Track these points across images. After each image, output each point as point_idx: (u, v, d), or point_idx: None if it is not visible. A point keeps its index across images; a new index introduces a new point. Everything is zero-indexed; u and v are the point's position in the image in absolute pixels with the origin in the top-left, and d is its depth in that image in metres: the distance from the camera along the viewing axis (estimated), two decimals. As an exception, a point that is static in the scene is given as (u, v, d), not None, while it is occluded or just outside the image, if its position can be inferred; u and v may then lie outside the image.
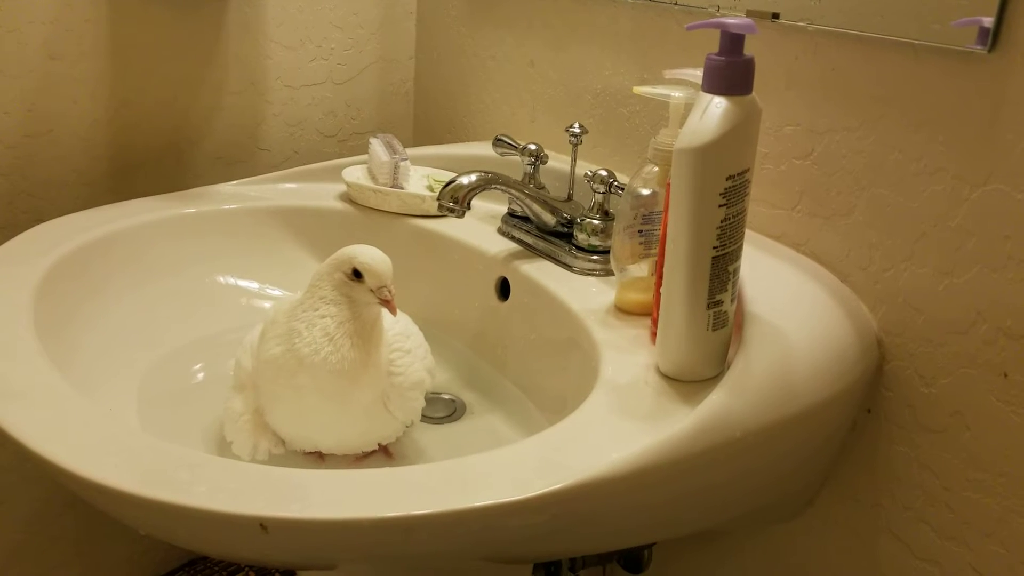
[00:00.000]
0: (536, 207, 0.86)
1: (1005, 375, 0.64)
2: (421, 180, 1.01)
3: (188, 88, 1.07)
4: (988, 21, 0.61)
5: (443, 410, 0.85)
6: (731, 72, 0.58)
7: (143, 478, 0.54)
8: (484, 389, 0.87)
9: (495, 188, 0.84)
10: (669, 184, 0.60)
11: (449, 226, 0.94)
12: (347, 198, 1.01)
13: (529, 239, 0.88)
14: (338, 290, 0.69)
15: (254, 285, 0.96)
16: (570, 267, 0.83)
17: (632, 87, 0.79)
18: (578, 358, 0.74)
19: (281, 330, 0.70)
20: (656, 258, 0.71)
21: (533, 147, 0.90)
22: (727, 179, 0.58)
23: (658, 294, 0.66)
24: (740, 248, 0.62)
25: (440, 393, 0.87)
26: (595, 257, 0.83)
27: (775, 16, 0.75)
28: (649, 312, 0.73)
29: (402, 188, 0.98)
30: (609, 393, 0.64)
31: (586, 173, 0.84)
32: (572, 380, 0.74)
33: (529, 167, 0.90)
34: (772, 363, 0.64)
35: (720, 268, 0.60)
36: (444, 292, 0.93)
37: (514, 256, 0.87)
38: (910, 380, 0.70)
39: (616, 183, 0.83)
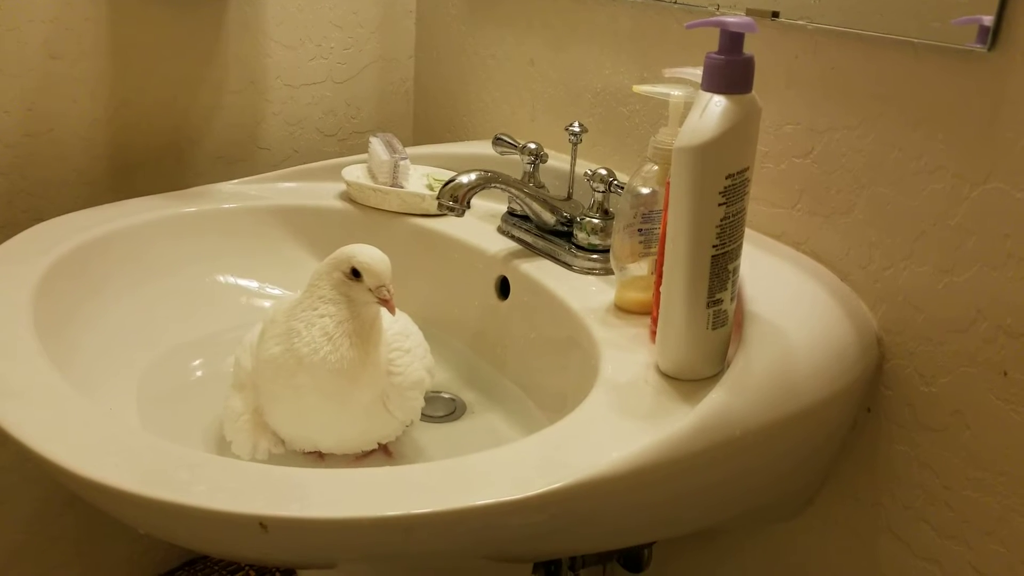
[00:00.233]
0: (536, 206, 0.86)
1: (1005, 373, 0.64)
2: (421, 179, 1.01)
3: (188, 87, 1.07)
4: (988, 20, 0.61)
5: (443, 409, 0.85)
6: (731, 71, 0.58)
7: (143, 477, 0.54)
8: (484, 388, 0.87)
9: (495, 187, 0.84)
10: (669, 183, 0.60)
11: (449, 225, 0.94)
12: (347, 197, 1.01)
13: (529, 238, 0.88)
14: (337, 289, 0.69)
15: (254, 284, 0.96)
16: (570, 266, 0.83)
17: (632, 86, 0.79)
18: (578, 357, 0.74)
19: (280, 329, 0.70)
20: (656, 257, 0.71)
21: (533, 146, 0.90)
22: (727, 178, 0.58)
23: (658, 293, 0.66)
24: (740, 247, 0.62)
25: (440, 392, 0.87)
26: (595, 256, 0.83)
27: (775, 15, 0.75)
28: (649, 311, 0.73)
29: (402, 187, 0.98)
30: (609, 392, 0.64)
31: (586, 172, 0.84)
32: (572, 379, 0.74)
33: (529, 166, 0.90)
34: (772, 362, 0.64)
35: (720, 267, 0.60)
36: (444, 291, 0.93)
37: (514, 255, 0.87)
38: (910, 379, 0.70)
39: (616, 182, 0.83)
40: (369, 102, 1.23)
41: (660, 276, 0.65)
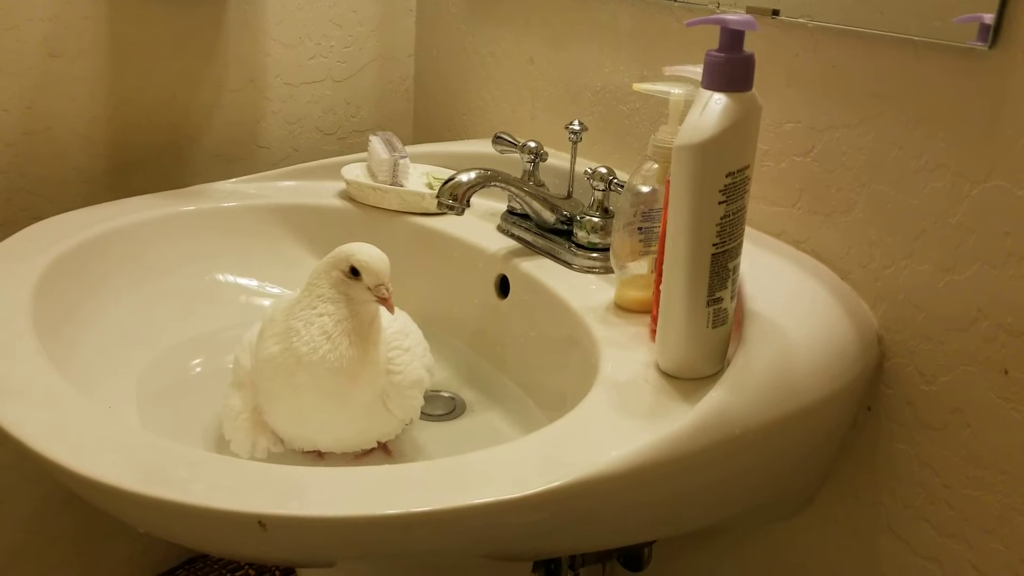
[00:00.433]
0: (536, 204, 0.86)
1: (1005, 372, 0.64)
2: (421, 178, 1.01)
3: (187, 85, 1.07)
4: (989, 18, 0.61)
5: (442, 408, 0.85)
6: (731, 69, 0.58)
7: (142, 476, 0.54)
8: (483, 387, 0.87)
9: (495, 185, 0.84)
10: (669, 181, 0.60)
11: (449, 224, 0.94)
12: (346, 196, 1.01)
13: (529, 237, 0.88)
14: (336, 288, 0.69)
15: (253, 283, 0.95)
16: (570, 264, 0.83)
17: (632, 84, 0.78)
18: (578, 356, 0.74)
19: (279, 328, 0.70)
20: (656, 255, 0.71)
21: (533, 144, 0.90)
22: (727, 176, 0.58)
23: (658, 291, 0.66)
24: (740, 245, 0.62)
25: (439, 391, 0.87)
26: (595, 255, 0.83)
27: (775, 13, 0.75)
28: (649, 309, 0.73)
29: (402, 186, 0.98)
30: (609, 390, 0.64)
31: (586, 170, 0.84)
32: (572, 378, 0.74)
33: (529, 164, 0.90)
34: (772, 360, 0.64)
35: (720, 265, 0.60)
36: (444, 290, 0.93)
37: (514, 254, 0.87)
38: (910, 377, 0.70)
39: (616, 180, 0.83)
40: (369, 100, 1.23)
41: (660, 274, 0.65)
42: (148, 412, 0.76)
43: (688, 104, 0.62)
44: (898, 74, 0.68)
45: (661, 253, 0.65)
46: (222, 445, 0.73)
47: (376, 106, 1.23)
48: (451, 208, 0.81)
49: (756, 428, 0.61)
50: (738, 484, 0.67)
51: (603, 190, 0.83)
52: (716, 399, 0.60)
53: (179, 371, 0.85)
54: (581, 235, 0.83)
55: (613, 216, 0.81)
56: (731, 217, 0.59)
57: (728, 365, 0.64)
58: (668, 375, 0.65)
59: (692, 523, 0.75)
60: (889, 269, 0.71)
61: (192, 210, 0.94)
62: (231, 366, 0.75)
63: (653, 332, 0.68)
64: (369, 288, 0.68)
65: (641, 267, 0.75)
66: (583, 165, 0.87)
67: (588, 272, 0.82)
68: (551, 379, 0.80)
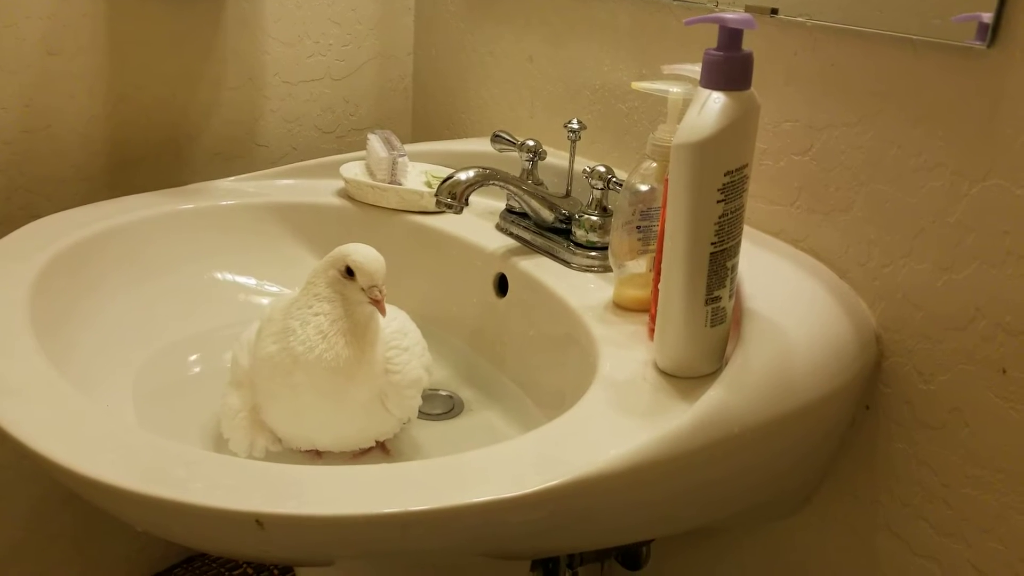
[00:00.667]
0: (534, 203, 0.86)
1: (1004, 371, 0.64)
2: (419, 176, 1.01)
3: (186, 84, 1.07)
4: (987, 17, 0.61)
5: (441, 407, 0.85)
6: (729, 67, 0.58)
7: (140, 475, 0.54)
8: (482, 385, 0.87)
9: (493, 184, 0.84)
10: (667, 180, 0.60)
11: (447, 222, 0.94)
12: (345, 194, 1.01)
13: (527, 235, 0.88)
14: (332, 288, 0.69)
15: (251, 281, 0.95)
16: (568, 263, 0.83)
17: (631, 83, 0.78)
18: (576, 354, 0.74)
19: (277, 328, 0.70)
20: (654, 254, 0.71)
21: (531, 143, 0.90)
22: (725, 175, 0.58)
23: (656, 290, 0.66)
24: (738, 244, 0.62)
25: (438, 390, 0.87)
26: (593, 253, 0.83)
27: (774, 11, 0.75)
28: (647, 308, 0.73)
29: (400, 184, 0.98)
30: (607, 389, 0.64)
31: (584, 169, 0.84)
32: (570, 376, 0.74)
33: (527, 163, 0.90)
34: (770, 359, 0.64)
35: (718, 264, 0.60)
36: (442, 288, 0.93)
37: (512, 252, 0.87)
38: (909, 376, 0.70)
39: (614, 179, 0.82)
40: (367, 99, 1.22)
41: (658, 273, 0.65)
42: (146, 411, 0.76)
43: (687, 103, 0.62)
44: (897, 73, 0.68)
45: (660, 252, 0.65)
46: (220, 444, 0.73)
47: (375, 104, 1.23)
48: (450, 207, 0.81)
49: (754, 427, 0.61)
50: (736, 483, 0.67)
51: (602, 189, 0.83)
52: (714, 398, 0.60)
53: (177, 370, 0.85)
54: (580, 234, 0.83)
55: (612, 215, 0.81)
56: (729, 216, 0.59)
57: (726, 364, 0.64)
58: (666, 374, 0.65)
59: (690, 522, 0.75)
60: (888, 268, 0.71)
61: (191, 208, 0.94)
62: (229, 365, 0.75)
63: (651, 331, 0.68)
64: (363, 289, 0.68)
65: (639, 266, 0.75)
66: (582, 164, 0.87)
67: (587, 271, 0.82)
68: (549, 378, 0.80)
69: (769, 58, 0.76)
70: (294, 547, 0.56)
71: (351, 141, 1.22)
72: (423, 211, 0.96)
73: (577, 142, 0.87)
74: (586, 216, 0.83)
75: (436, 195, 0.81)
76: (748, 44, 0.58)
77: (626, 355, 0.68)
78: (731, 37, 0.58)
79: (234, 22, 1.08)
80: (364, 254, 0.69)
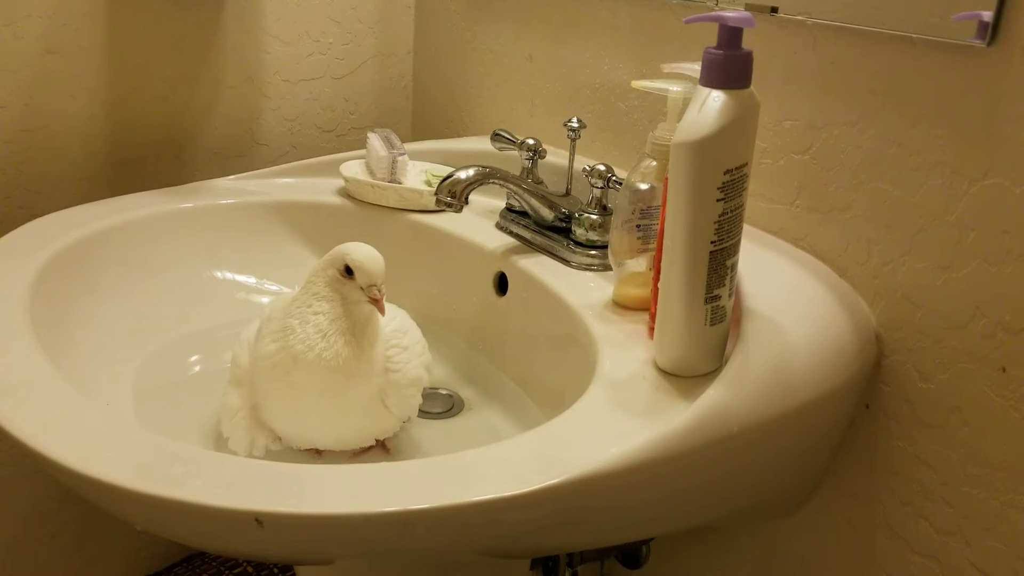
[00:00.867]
0: (534, 202, 0.86)
1: (1003, 370, 0.64)
2: (419, 175, 1.01)
3: (186, 83, 1.07)
4: (987, 15, 0.61)
5: (441, 405, 0.85)
6: (729, 66, 0.58)
7: (139, 473, 0.54)
8: (482, 384, 0.87)
9: (493, 183, 0.84)
10: (667, 178, 0.60)
11: (447, 221, 0.94)
12: (345, 193, 1.00)
13: (527, 234, 0.88)
14: (331, 287, 0.69)
15: (251, 280, 0.95)
16: (568, 262, 0.83)
17: (630, 81, 0.78)
18: (576, 353, 0.74)
19: (276, 326, 0.70)
20: (654, 252, 0.71)
21: (531, 142, 0.90)
22: (725, 173, 0.58)
23: (656, 289, 0.66)
24: (738, 243, 0.62)
25: (438, 388, 0.87)
26: (593, 252, 0.83)
27: (774, 10, 0.75)
28: (647, 307, 0.73)
29: (400, 183, 0.98)
30: (607, 388, 0.64)
31: (584, 168, 0.84)
32: (570, 375, 0.74)
33: (527, 162, 0.90)
34: (770, 358, 0.64)
35: (718, 263, 0.60)
36: (442, 287, 0.93)
37: (512, 251, 0.87)
38: (908, 375, 0.70)
39: (614, 178, 0.82)
40: (367, 98, 1.22)
41: (658, 272, 0.65)
42: (145, 409, 0.76)
43: (686, 101, 0.62)
44: (897, 71, 0.68)
45: (659, 250, 0.65)
46: (220, 443, 0.73)
47: (375, 103, 1.23)
48: (449, 205, 0.81)
49: (754, 426, 0.61)
50: (736, 482, 0.67)
51: (601, 187, 0.83)
52: (714, 397, 0.60)
53: (177, 368, 0.85)
54: (579, 232, 0.83)
55: (611, 213, 0.81)
56: (729, 214, 0.59)
57: (726, 363, 0.64)
58: (666, 373, 0.65)
59: (690, 520, 0.75)
60: (887, 266, 0.70)
61: (190, 207, 0.94)
62: (229, 364, 0.75)
63: (651, 329, 0.68)
64: (362, 288, 0.68)
65: (639, 264, 0.75)
66: (581, 162, 0.87)
67: (586, 269, 0.82)
68: (549, 376, 0.80)
69: (769, 57, 0.76)
70: (294, 546, 0.56)
71: (351, 140, 1.22)
72: (423, 210, 0.96)
73: (577, 141, 0.87)
74: (586, 215, 0.83)
75: (436, 194, 0.81)
76: (748, 42, 0.58)
77: (626, 354, 0.68)
78: (731, 35, 0.57)
79: (234, 21, 1.08)
80: (363, 253, 0.69)
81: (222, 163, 1.12)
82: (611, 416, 0.61)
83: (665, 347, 0.64)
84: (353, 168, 1.01)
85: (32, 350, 0.67)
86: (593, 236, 0.83)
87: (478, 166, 0.82)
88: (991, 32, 0.61)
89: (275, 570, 1.26)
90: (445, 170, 0.95)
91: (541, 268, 0.83)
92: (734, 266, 0.62)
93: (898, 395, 0.71)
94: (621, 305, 0.76)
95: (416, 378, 0.74)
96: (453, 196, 0.81)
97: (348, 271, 0.68)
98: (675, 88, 0.70)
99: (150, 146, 1.06)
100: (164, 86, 1.05)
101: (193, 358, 0.87)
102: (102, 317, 0.82)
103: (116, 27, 1.00)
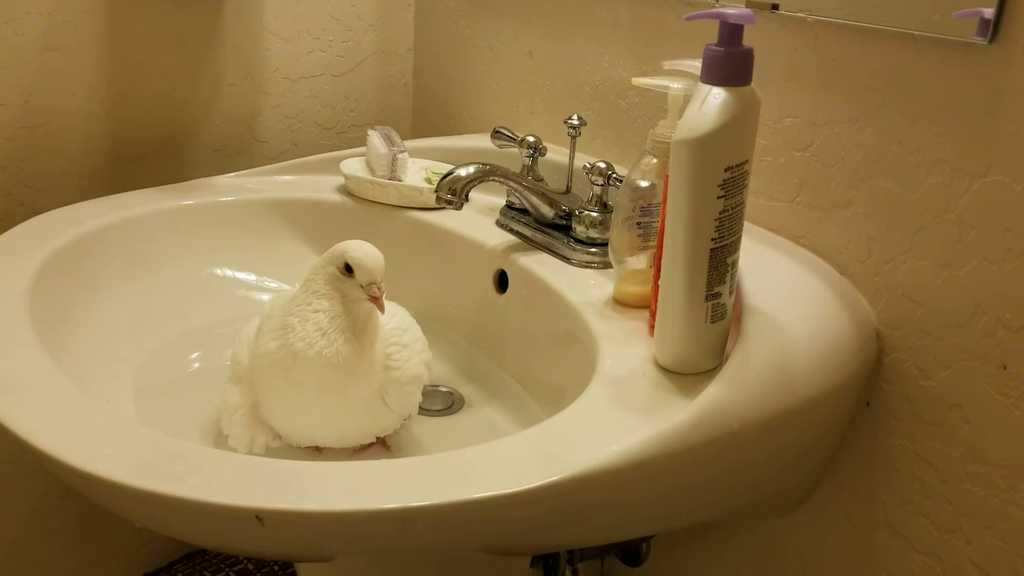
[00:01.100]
0: (534, 199, 0.86)
1: (1004, 368, 0.64)
2: (419, 172, 1.01)
3: (186, 80, 1.07)
4: (989, 12, 0.61)
5: (441, 403, 0.85)
6: (730, 63, 0.57)
7: (138, 470, 0.54)
8: (482, 382, 0.87)
9: (493, 180, 0.84)
10: (668, 176, 0.60)
11: (447, 218, 0.93)
12: (345, 190, 1.00)
13: (527, 231, 0.88)
14: (330, 284, 0.69)
15: (251, 277, 0.95)
16: (568, 259, 0.83)
17: (631, 79, 0.78)
18: (576, 351, 0.74)
19: (276, 324, 0.70)
20: (655, 250, 0.71)
21: (532, 139, 0.89)
22: (725, 170, 0.58)
23: (656, 286, 0.66)
24: (739, 240, 0.62)
25: (438, 386, 0.87)
26: (593, 249, 0.82)
27: (775, 7, 0.75)
28: (647, 304, 0.73)
29: (400, 180, 0.98)
30: (607, 385, 0.64)
31: (584, 165, 0.84)
32: (570, 372, 0.74)
33: (527, 159, 0.90)
34: (770, 356, 0.64)
35: (718, 260, 0.60)
36: (442, 284, 0.93)
37: (512, 248, 0.87)
38: (909, 373, 0.70)
39: (614, 175, 0.82)
40: (368, 95, 1.22)
41: (659, 269, 0.65)
42: (146, 407, 0.76)
43: (687, 99, 0.61)
44: (898, 69, 0.67)
45: (660, 248, 0.65)
46: (220, 440, 0.73)
47: (375, 100, 1.23)
48: (449, 203, 0.81)
49: (754, 423, 0.61)
50: (736, 479, 0.67)
51: (602, 185, 0.83)
52: (714, 394, 0.60)
53: (177, 366, 0.85)
54: (580, 230, 0.83)
55: (612, 211, 0.81)
56: (730, 212, 0.59)
57: (726, 360, 0.64)
58: (666, 370, 0.65)
59: (690, 518, 0.75)
60: (888, 264, 0.70)
61: (190, 204, 0.94)
62: (229, 361, 0.75)
63: (651, 327, 0.68)
64: (362, 286, 0.68)
65: (640, 262, 0.75)
66: (582, 160, 0.87)
67: (587, 267, 0.82)
68: (549, 374, 0.80)
69: (770, 54, 0.76)
70: (294, 543, 0.56)
71: (351, 137, 1.22)
72: (423, 207, 0.96)
73: (577, 138, 0.87)
74: (586, 212, 0.83)
75: (436, 191, 0.81)
76: (748, 40, 0.58)
77: (626, 351, 0.68)
78: (732, 33, 0.57)
79: (234, 18, 1.08)
80: (363, 251, 0.69)
81: (222, 160, 1.12)
82: (611, 413, 0.61)
83: (665, 344, 0.64)
84: (353, 165, 1.01)
85: (32, 347, 0.67)
86: (593, 234, 0.83)
87: (478, 163, 0.82)
88: (992, 29, 0.61)
89: (275, 567, 1.26)
90: (445, 167, 0.95)
91: (541, 266, 0.83)
92: (735, 263, 0.62)
93: (899, 393, 0.71)
94: (621, 303, 0.76)
95: (416, 376, 0.74)
96: (453, 193, 0.81)
97: (348, 269, 0.68)
98: (676, 85, 0.70)
99: (150, 143, 1.06)
100: (164, 83, 1.05)
101: (193, 355, 0.87)
102: (102, 314, 0.82)
103: (116, 24, 1.00)
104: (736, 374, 0.62)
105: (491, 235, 0.90)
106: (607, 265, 0.80)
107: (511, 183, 0.85)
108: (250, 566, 1.27)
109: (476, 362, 0.89)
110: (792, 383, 0.64)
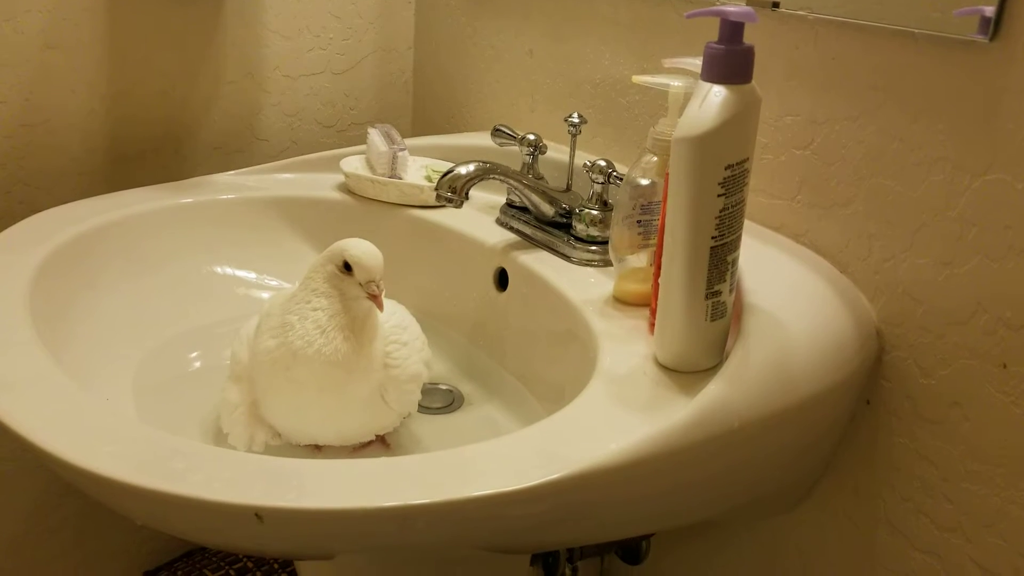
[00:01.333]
0: (535, 197, 0.86)
1: (1004, 366, 0.64)
2: (419, 170, 1.01)
3: (186, 78, 1.07)
4: (989, 10, 0.61)
5: (441, 401, 0.85)
6: (730, 61, 0.57)
7: (138, 467, 0.54)
8: (482, 380, 0.87)
9: (493, 178, 0.83)
10: (668, 174, 0.60)
11: (447, 216, 0.93)
12: (345, 188, 1.00)
13: (528, 229, 0.88)
14: (329, 283, 0.69)
15: (251, 275, 0.95)
16: (569, 257, 0.83)
17: (631, 77, 0.78)
18: (576, 349, 0.74)
19: (275, 323, 0.70)
20: (655, 248, 0.71)
21: (532, 137, 0.89)
22: (726, 168, 0.58)
23: (656, 284, 0.66)
24: (739, 238, 0.61)
25: (438, 384, 0.87)
26: (594, 247, 0.82)
27: (775, 5, 0.75)
28: (648, 302, 0.73)
29: (400, 178, 0.98)
30: (607, 383, 0.64)
31: (585, 163, 0.84)
32: (570, 370, 0.74)
33: (528, 157, 0.90)
34: (770, 354, 0.64)
35: (719, 258, 0.60)
36: (442, 283, 0.93)
37: (512, 247, 0.87)
38: (909, 371, 0.70)
39: (615, 173, 0.82)
40: (368, 93, 1.22)
41: (659, 268, 0.65)
42: (145, 405, 0.76)
43: (687, 96, 0.61)
44: (898, 67, 0.67)
45: (660, 246, 0.65)
46: (220, 438, 0.73)
47: (375, 98, 1.23)
48: (450, 201, 0.81)
49: (755, 421, 0.61)
50: (736, 477, 0.67)
51: (602, 183, 0.83)
52: (714, 392, 0.60)
53: (177, 364, 0.85)
54: (580, 228, 0.83)
55: (612, 209, 0.81)
56: (730, 210, 0.59)
57: (727, 358, 0.63)
58: (667, 368, 0.65)
59: (690, 516, 0.75)
60: (888, 262, 0.70)
61: (190, 202, 0.94)
62: (228, 360, 0.75)
63: (652, 325, 0.68)
64: (360, 284, 0.68)
65: (640, 260, 0.75)
66: (582, 158, 0.87)
67: (587, 265, 0.82)
68: (550, 372, 0.80)
69: (770, 52, 0.76)
70: (294, 540, 0.56)
71: (351, 135, 1.22)
72: (423, 205, 0.96)
73: (578, 136, 0.87)
74: (586, 210, 0.83)
75: (436, 189, 0.81)
76: (749, 38, 0.58)
77: (626, 349, 0.68)
78: (732, 30, 0.57)
79: (234, 16, 1.08)
80: (362, 249, 0.69)
81: (222, 158, 1.12)
82: (611, 411, 0.61)
83: (666, 343, 0.64)
84: (353, 164, 1.01)
85: (32, 345, 0.67)
86: (594, 232, 0.83)
87: (478, 161, 0.82)
88: (993, 27, 0.61)
89: (275, 565, 1.26)
90: (445, 165, 0.95)
91: (541, 264, 0.83)
92: (735, 262, 0.62)
93: (899, 391, 0.71)
94: (622, 301, 0.76)
95: (415, 374, 0.74)
96: (453, 191, 0.81)
97: (347, 267, 0.68)
98: (676, 83, 0.70)
99: (150, 141, 1.06)
100: (164, 81, 1.05)
101: (193, 354, 0.87)
102: (102, 312, 0.82)
103: (116, 22, 0.99)
104: (736, 372, 0.62)
105: (491, 233, 0.90)
106: (607, 263, 0.80)
107: (511, 181, 0.85)
108: (250, 564, 1.27)
109: (476, 360, 0.89)
110: (792, 381, 0.64)
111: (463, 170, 0.81)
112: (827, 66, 0.72)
